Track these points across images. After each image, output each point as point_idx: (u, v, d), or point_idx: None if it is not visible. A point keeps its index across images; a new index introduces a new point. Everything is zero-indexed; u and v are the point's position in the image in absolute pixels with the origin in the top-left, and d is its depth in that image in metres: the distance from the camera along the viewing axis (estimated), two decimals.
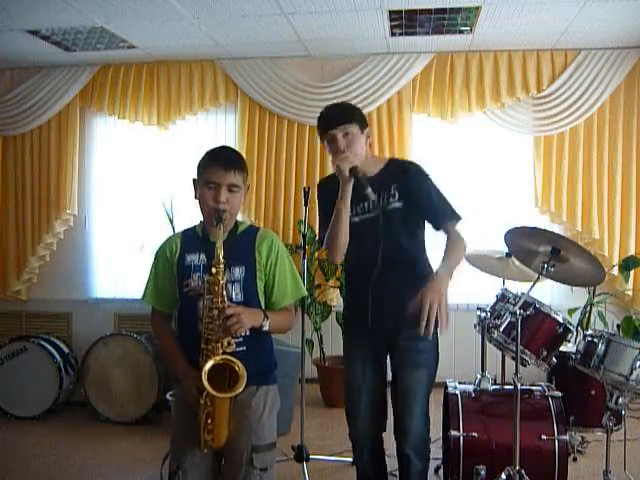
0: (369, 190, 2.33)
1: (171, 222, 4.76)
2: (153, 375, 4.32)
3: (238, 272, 2.07)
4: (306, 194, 3.52)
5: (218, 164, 2.06)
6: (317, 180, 5.13)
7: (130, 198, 5.39)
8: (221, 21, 4.32)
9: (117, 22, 4.32)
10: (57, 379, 4.47)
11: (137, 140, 5.42)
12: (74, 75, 5.31)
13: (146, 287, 2.21)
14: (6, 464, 3.71)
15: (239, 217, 2.20)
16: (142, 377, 4.35)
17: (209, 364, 1.91)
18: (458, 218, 2.52)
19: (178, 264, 2.12)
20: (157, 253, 2.21)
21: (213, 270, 1.95)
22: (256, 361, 2.05)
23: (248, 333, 2.02)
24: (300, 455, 3.40)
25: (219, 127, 5.38)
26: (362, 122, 2.50)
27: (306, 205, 3.53)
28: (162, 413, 4.38)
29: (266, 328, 2.04)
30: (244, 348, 2.02)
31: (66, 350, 4.74)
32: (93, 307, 5.46)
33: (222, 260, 1.95)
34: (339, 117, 2.47)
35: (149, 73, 5.30)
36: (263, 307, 2.12)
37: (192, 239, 2.17)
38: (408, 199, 2.49)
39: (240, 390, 1.90)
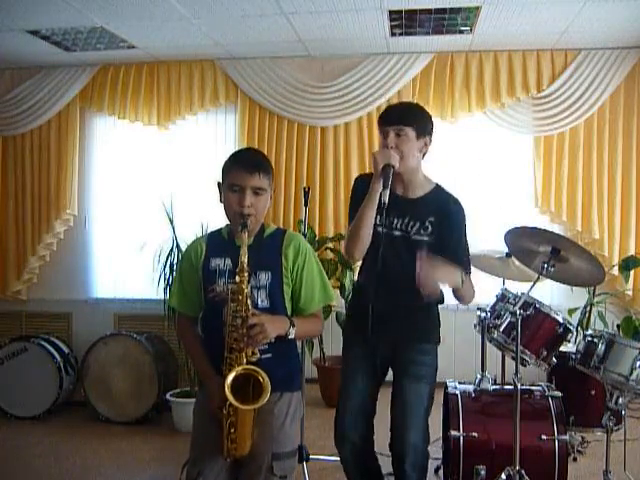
0: (386, 192, 2.29)
1: (171, 222, 4.75)
2: (153, 375, 4.32)
3: (264, 278, 2.02)
4: (306, 194, 3.52)
5: (242, 167, 2.01)
6: (317, 180, 5.16)
7: (130, 198, 5.39)
8: (221, 21, 4.33)
9: (117, 22, 4.32)
10: (57, 379, 4.47)
11: (137, 140, 5.42)
12: (74, 75, 5.31)
13: (172, 291, 2.19)
14: (6, 464, 3.70)
15: None
16: (142, 377, 4.34)
17: (231, 376, 1.85)
18: (468, 273, 2.46)
19: (204, 268, 2.08)
20: (183, 256, 2.17)
21: (237, 279, 1.89)
22: (281, 368, 2.02)
23: (273, 340, 1.96)
24: (300, 455, 3.39)
25: (219, 127, 5.38)
26: (421, 129, 2.42)
27: (306, 205, 3.53)
28: (162, 413, 4.38)
29: (292, 336, 1.98)
30: (269, 355, 1.98)
31: (66, 350, 4.73)
32: (93, 307, 5.46)
33: (246, 268, 1.89)
34: (398, 116, 2.43)
35: (149, 73, 5.30)
36: (290, 313, 2.07)
37: (218, 242, 2.12)
38: (439, 238, 2.41)
39: (264, 402, 1.85)
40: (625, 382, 2.71)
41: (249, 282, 1.92)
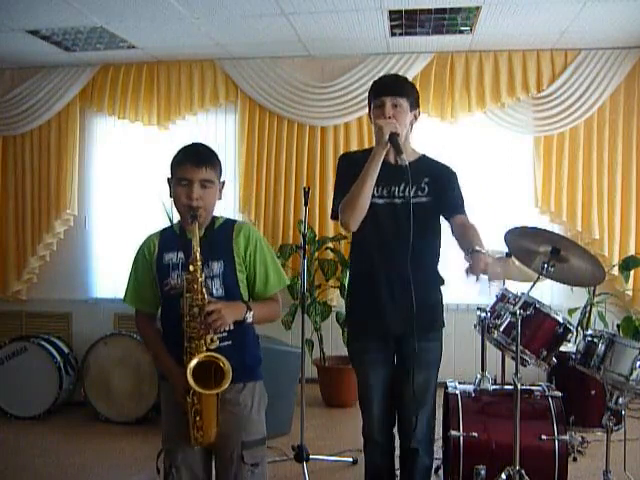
0: (403, 156, 2.29)
1: (171, 222, 4.74)
2: (153, 375, 4.31)
3: (217, 267, 2.06)
4: (306, 194, 3.52)
5: (189, 160, 2.06)
6: (317, 180, 5.15)
7: (130, 198, 5.39)
8: (221, 21, 4.33)
9: (117, 22, 4.32)
10: (57, 379, 4.47)
11: (137, 140, 5.42)
12: (74, 75, 5.31)
13: (127, 288, 2.22)
14: (6, 464, 3.71)
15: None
16: (142, 377, 4.34)
17: (194, 362, 1.90)
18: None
19: (157, 263, 2.12)
20: (136, 253, 2.20)
21: (191, 268, 1.94)
22: (241, 356, 2.05)
23: (232, 327, 2.01)
24: (300, 455, 3.40)
25: (219, 127, 5.38)
26: (414, 101, 2.48)
27: (306, 205, 3.53)
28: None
29: (250, 320, 2.03)
30: (229, 342, 2.01)
31: (66, 350, 4.74)
32: (93, 307, 5.46)
33: (199, 257, 1.95)
34: (394, 87, 2.46)
35: (149, 73, 5.30)
36: (247, 299, 2.12)
37: (170, 238, 2.16)
38: (436, 196, 2.47)
39: (226, 385, 1.89)
40: (625, 382, 2.70)
41: (202, 271, 1.96)
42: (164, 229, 2.24)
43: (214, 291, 2.04)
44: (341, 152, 5.08)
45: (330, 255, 4.93)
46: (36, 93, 5.33)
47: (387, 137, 2.32)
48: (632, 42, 4.70)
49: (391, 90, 2.44)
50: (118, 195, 5.43)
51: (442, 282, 2.61)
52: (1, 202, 5.53)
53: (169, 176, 2.15)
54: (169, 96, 5.28)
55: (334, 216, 2.53)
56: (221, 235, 2.12)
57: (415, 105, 2.49)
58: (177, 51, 5.02)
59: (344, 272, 4.75)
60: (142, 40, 4.74)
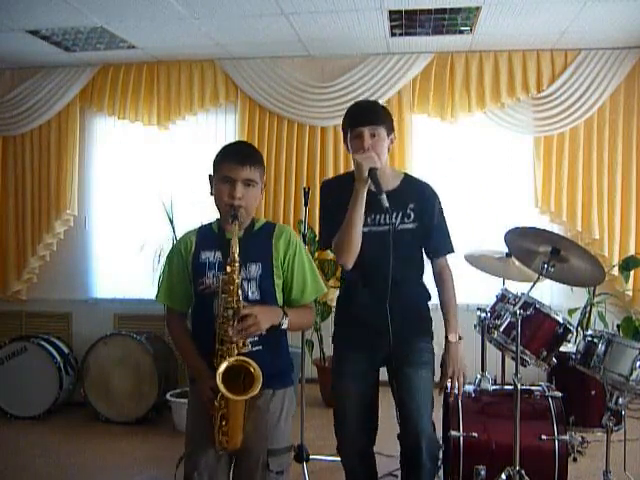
0: (383, 197, 2.23)
1: (171, 222, 4.76)
2: (153, 375, 4.32)
3: (254, 270, 2.02)
4: (306, 194, 3.52)
5: (234, 159, 2.03)
6: (317, 180, 5.14)
7: (130, 198, 5.39)
8: (221, 21, 4.33)
9: (117, 22, 4.32)
10: (57, 379, 4.47)
11: (137, 140, 5.42)
12: (74, 75, 5.31)
13: (159, 285, 2.16)
14: (6, 464, 3.71)
15: None
16: (142, 377, 4.35)
17: (223, 366, 1.86)
18: (452, 251, 2.57)
19: (193, 261, 2.08)
20: (171, 250, 2.16)
21: (228, 269, 1.90)
22: (273, 362, 2.01)
23: (264, 332, 1.95)
24: (300, 455, 3.39)
25: (219, 127, 5.38)
26: (390, 126, 2.45)
27: (306, 205, 3.53)
28: (162, 413, 4.38)
29: (285, 326, 1.99)
30: (260, 347, 1.97)
31: (66, 350, 4.74)
32: (93, 307, 5.46)
33: (237, 258, 1.90)
34: (371, 116, 2.41)
35: (149, 73, 5.30)
36: (282, 304, 2.08)
37: (208, 236, 2.12)
38: (422, 222, 2.46)
39: (256, 392, 1.85)
40: (625, 382, 2.70)
41: (240, 273, 1.92)
42: (201, 227, 2.19)
43: (249, 294, 2.00)
44: (341, 152, 5.10)
45: (330, 255, 4.91)
46: (36, 93, 5.33)
47: (366, 173, 2.28)
48: (632, 42, 4.70)
49: (368, 119, 2.39)
50: (118, 195, 5.42)
51: (429, 297, 2.58)
52: (1, 202, 5.53)
53: (211, 173, 2.12)
54: (169, 96, 5.28)
55: (324, 245, 2.52)
56: (260, 237, 2.07)
57: (391, 130, 2.46)
58: (177, 51, 5.02)
59: (343, 282, 4.74)
60: (142, 40, 4.74)
